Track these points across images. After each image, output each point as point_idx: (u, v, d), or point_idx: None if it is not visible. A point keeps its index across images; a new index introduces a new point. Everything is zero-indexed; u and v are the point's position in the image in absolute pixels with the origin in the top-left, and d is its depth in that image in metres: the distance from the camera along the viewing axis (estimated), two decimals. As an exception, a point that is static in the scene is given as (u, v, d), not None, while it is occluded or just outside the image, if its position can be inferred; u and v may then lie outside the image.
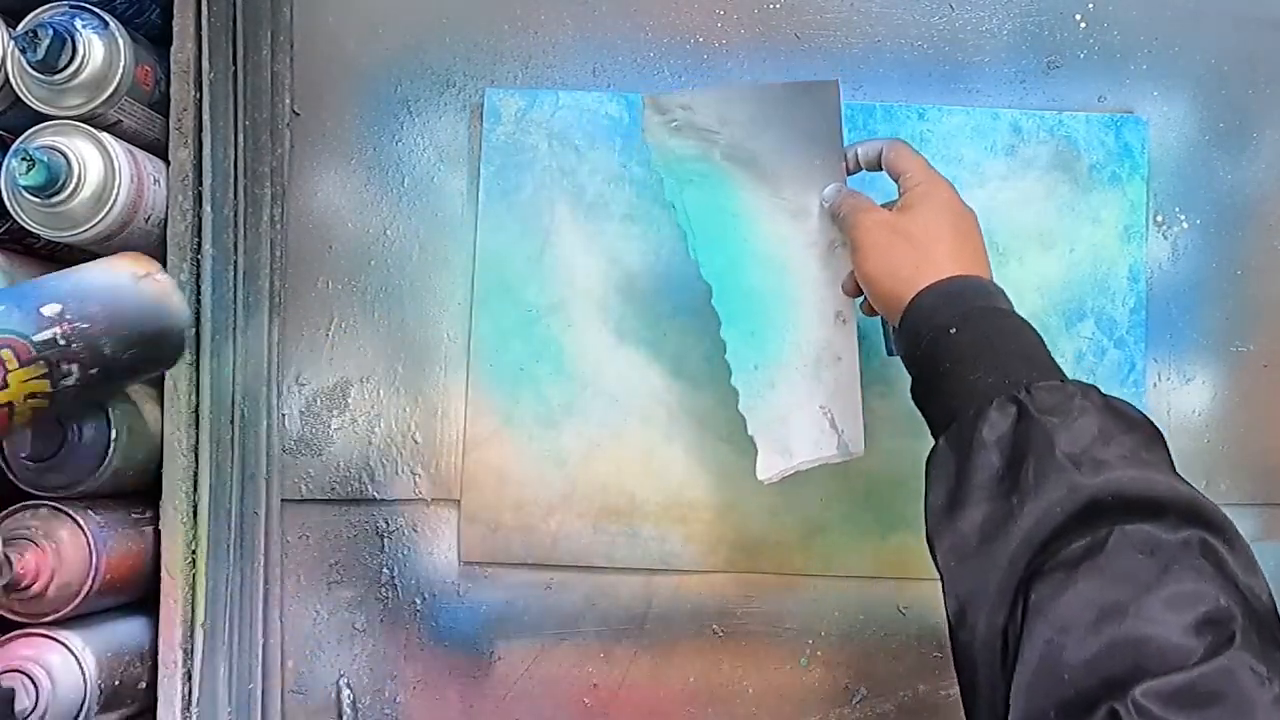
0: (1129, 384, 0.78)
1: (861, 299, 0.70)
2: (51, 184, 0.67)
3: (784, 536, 0.78)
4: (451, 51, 0.81)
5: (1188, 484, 0.52)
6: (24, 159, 0.66)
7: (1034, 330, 0.61)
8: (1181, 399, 0.79)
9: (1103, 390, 0.56)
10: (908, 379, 0.63)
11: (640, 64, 0.81)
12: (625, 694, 0.78)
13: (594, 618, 0.79)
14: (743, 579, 0.79)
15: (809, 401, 0.71)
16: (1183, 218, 0.80)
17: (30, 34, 0.68)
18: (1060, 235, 0.79)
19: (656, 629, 0.79)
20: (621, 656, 0.78)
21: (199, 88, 0.77)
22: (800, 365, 0.72)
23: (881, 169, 0.70)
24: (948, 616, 0.53)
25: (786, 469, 0.71)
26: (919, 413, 0.62)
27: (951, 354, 0.59)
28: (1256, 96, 0.81)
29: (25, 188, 0.67)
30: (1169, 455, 0.55)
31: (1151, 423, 0.56)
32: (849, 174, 0.72)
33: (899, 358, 0.65)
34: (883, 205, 0.68)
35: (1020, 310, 0.77)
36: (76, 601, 0.69)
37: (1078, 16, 0.81)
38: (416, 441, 0.79)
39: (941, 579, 0.54)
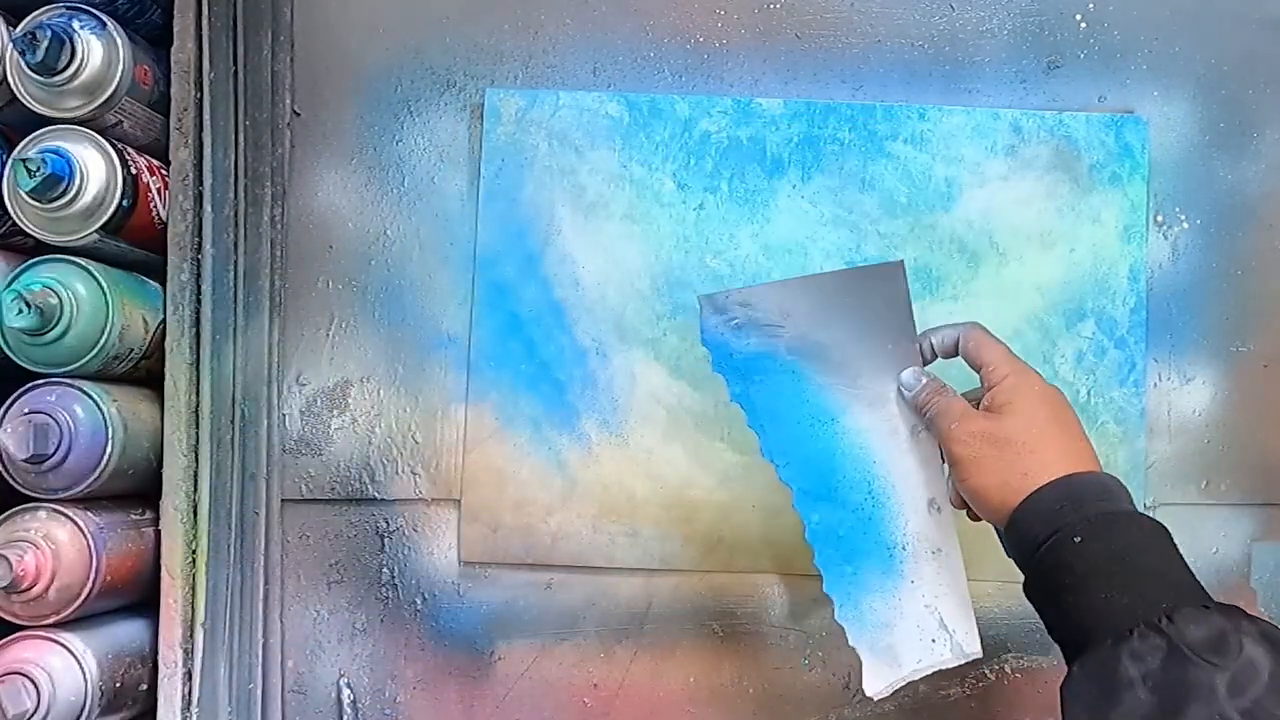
0: (1129, 384, 0.78)
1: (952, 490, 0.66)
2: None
3: (784, 536, 0.78)
4: (451, 51, 0.81)
5: None
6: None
7: (1166, 534, 0.57)
8: (1181, 399, 0.79)
9: (1251, 615, 0.52)
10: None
11: (640, 64, 0.81)
12: (625, 694, 0.78)
13: (594, 618, 0.79)
14: (743, 579, 0.79)
15: (912, 602, 0.67)
16: (1183, 218, 0.80)
17: (29, 36, 0.68)
18: (1060, 235, 0.79)
19: (656, 629, 0.79)
20: (621, 656, 0.78)
21: (199, 88, 0.77)
22: (898, 563, 0.67)
23: (957, 356, 0.67)
24: None
25: (897, 681, 0.66)
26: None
27: (1077, 566, 0.56)
28: (1256, 96, 0.81)
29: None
30: None
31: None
32: (925, 364, 0.68)
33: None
34: (965, 394, 0.65)
35: (1020, 310, 0.78)
36: (77, 603, 0.69)
37: (1078, 16, 0.81)
38: (416, 441, 0.79)
39: None
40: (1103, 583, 0.54)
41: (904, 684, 0.66)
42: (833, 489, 0.68)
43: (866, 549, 0.67)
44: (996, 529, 0.64)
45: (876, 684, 0.66)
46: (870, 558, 0.67)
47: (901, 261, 0.69)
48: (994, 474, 0.61)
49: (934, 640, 0.66)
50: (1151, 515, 0.78)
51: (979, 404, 0.64)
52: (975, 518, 0.66)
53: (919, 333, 0.68)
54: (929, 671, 0.66)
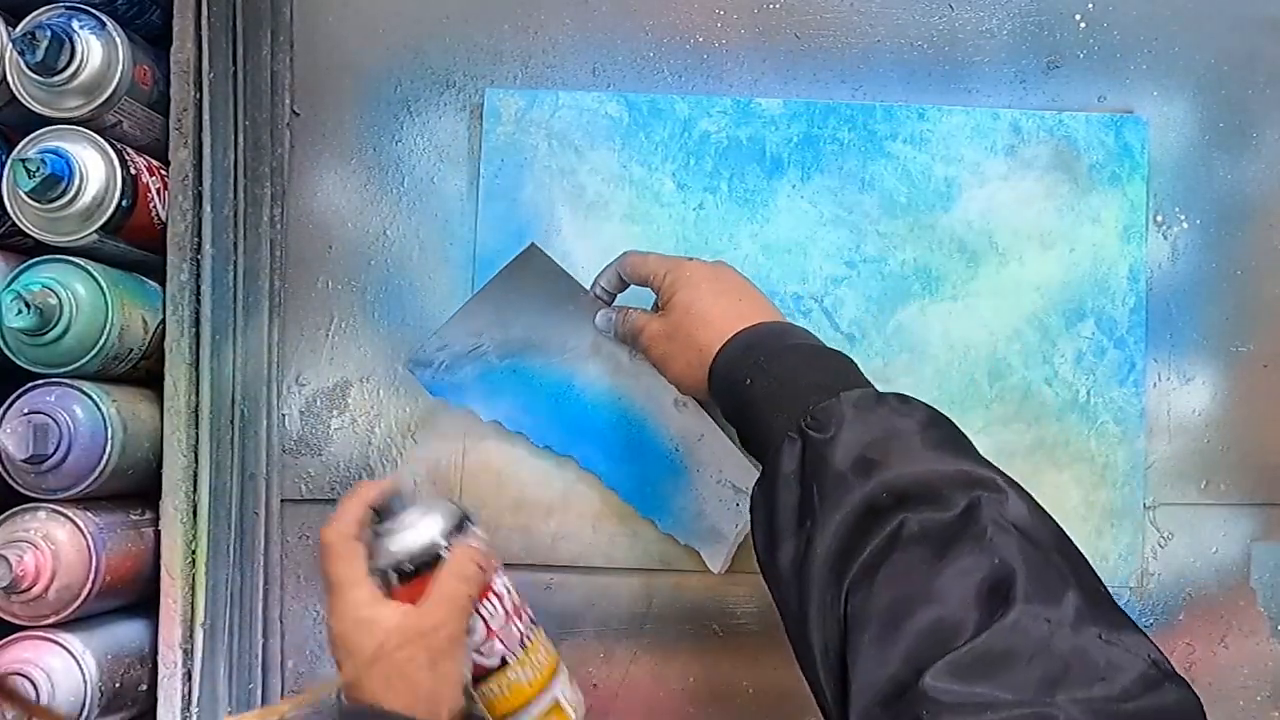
0: (1129, 384, 0.78)
1: None
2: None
3: (784, 537, 0.78)
4: (451, 51, 0.81)
5: (958, 455, 0.54)
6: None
7: (825, 353, 0.63)
8: (1181, 399, 0.79)
9: (881, 391, 0.58)
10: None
11: (640, 64, 0.81)
12: (625, 694, 0.78)
13: (594, 618, 0.78)
14: (743, 579, 0.79)
15: (705, 484, 0.75)
16: (1183, 218, 0.80)
17: (28, 36, 0.68)
18: (1060, 235, 0.79)
19: (656, 629, 0.79)
20: (621, 656, 0.78)
21: (199, 88, 0.77)
22: (679, 461, 0.75)
23: (630, 286, 0.73)
24: (793, 649, 0.55)
25: (730, 549, 0.75)
26: None
27: (752, 404, 0.61)
28: (1256, 96, 0.81)
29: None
30: (948, 433, 0.56)
31: (924, 408, 0.57)
32: (608, 305, 0.75)
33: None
34: (653, 307, 0.72)
35: (1020, 310, 0.78)
36: (76, 603, 0.69)
37: (1078, 16, 0.81)
38: (416, 441, 0.79)
39: (782, 616, 0.56)
40: (767, 409, 0.60)
41: (737, 547, 0.74)
42: (603, 436, 0.76)
43: (651, 465, 0.76)
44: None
45: (717, 563, 0.75)
46: (657, 470, 0.76)
47: (532, 244, 0.76)
48: (681, 360, 0.67)
49: (738, 504, 0.74)
50: (1152, 513, 0.78)
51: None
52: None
53: (589, 285, 0.75)
54: (748, 529, 0.71)
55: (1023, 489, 0.52)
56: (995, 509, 0.50)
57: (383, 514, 0.62)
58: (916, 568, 0.49)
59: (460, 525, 0.62)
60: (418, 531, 0.61)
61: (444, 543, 0.61)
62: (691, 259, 0.70)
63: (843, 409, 0.56)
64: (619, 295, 0.75)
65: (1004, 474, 0.53)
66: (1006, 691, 0.43)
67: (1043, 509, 0.52)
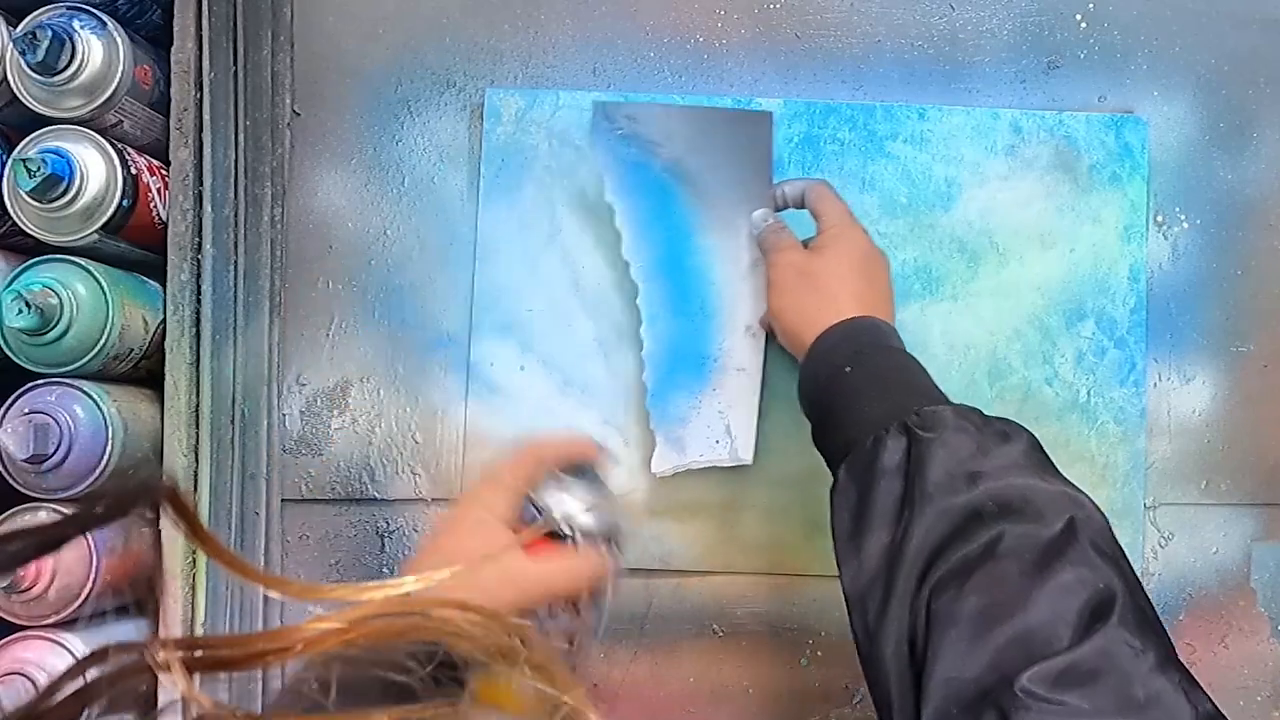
0: (1129, 384, 0.78)
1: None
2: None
3: (784, 536, 0.78)
4: (451, 51, 0.81)
5: (1061, 479, 0.56)
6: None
7: (920, 365, 0.65)
8: (1181, 399, 0.79)
9: (985, 412, 0.59)
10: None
11: (640, 64, 0.81)
12: (625, 694, 0.78)
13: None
14: (743, 579, 0.79)
15: (709, 406, 0.76)
16: (1183, 218, 0.80)
17: (29, 35, 0.68)
18: (1060, 235, 0.79)
19: (656, 629, 0.79)
20: (621, 656, 0.78)
21: (199, 88, 0.77)
22: (706, 371, 0.76)
23: (805, 208, 0.74)
24: (855, 637, 0.55)
25: (679, 465, 0.76)
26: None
27: (847, 391, 0.63)
28: (1256, 96, 0.81)
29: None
30: (1046, 458, 0.58)
31: (1027, 432, 0.59)
32: (776, 210, 0.75)
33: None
34: (803, 242, 0.72)
35: (1020, 310, 0.78)
36: (77, 603, 0.69)
37: (1078, 16, 0.81)
38: (416, 441, 0.79)
39: (848, 601, 0.56)
40: (863, 399, 0.62)
41: (684, 470, 0.75)
42: (670, 297, 0.77)
43: (686, 354, 0.76)
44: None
45: (662, 465, 0.76)
46: (687, 361, 0.76)
47: (770, 114, 0.78)
48: (793, 301, 0.69)
49: (717, 442, 0.76)
50: (1152, 513, 0.78)
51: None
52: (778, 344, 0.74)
53: (775, 181, 0.76)
54: (703, 465, 0.75)
55: (1108, 524, 0.54)
56: (1093, 532, 0.52)
57: (572, 468, 0.62)
58: (1013, 578, 0.50)
59: (612, 538, 0.62)
60: (580, 507, 0.61)
61: (586, 540, 0.60)
62: (862, 228, 0.72)
63: (950, 416, 0.58)
64: (788, 212, 0.76)
65: (1097, 507, 0.54)
66: (1088, 703, 0.45)
67: (1120, 546, 0.54)
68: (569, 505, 0.61)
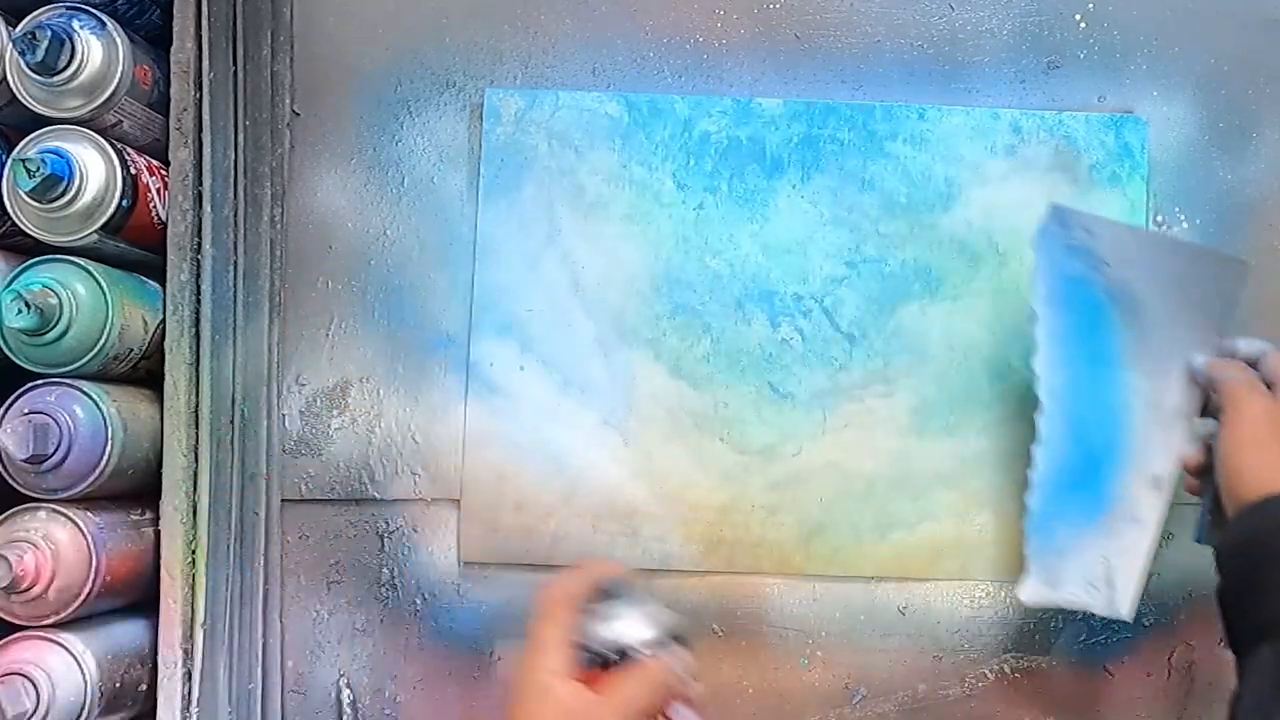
0: (1131, 385, 0.78)
1: (1182, 474, 0.71)
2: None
3: (784, 536, 0.78)
4: (451, 51, 0.81)
5: None
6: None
7: None
8: (1182, 399, 0.79)
9: None
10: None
11: (640, 64, 0.81)
12: (625, 694, 0.78)
13: (594, 618, 0.79)
14: (743, 579, 0.79)
15: (1095, 548, 0.72)
16: (1183, 218, 0.80)
17: (29, 36, 0.68)
18: (1061, 235, 0.79)
19: (656, 629, 0.78)
20: (621, 656, 0.78)
21: (199, 88, 0.77)
22: (1099, 512, 0.73)
23: (1256, 368, 0.69)
24: None
25: (1050, 600, 0.72)
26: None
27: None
28: (1256, 96, 0.81)
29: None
30: None
31: None
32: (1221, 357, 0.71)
33: (1209, 548, 0.64)
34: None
35: (1020, 310, 0.78)
36: (77, 603, 0.69)
37: (1078, 16, 0.81)
38: (416, 441, 0.79)
39: None
40: None
41: (1050, 605, 0.73)
42: (1081, 428, 0.72)
43: (1080, 488, 0.72)
44: (1202, 519, 0.69)
45: (1033, 596, 0.72)
46: (1080, 496, 0.72)
47: (1246, 262, 0.73)
48: (1261, 456, 0.63)
49: (1094, 586, 0.72)
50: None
51: None
52: (1195, 492, 0.70)
53: (1225, 334, 0.71)
54: (1075, 607, 0.72)
55: None
56: None
57: (603, 595, 0.61)
58: None
59: (671, 638, 0.60)
60: (627, 625, 0.59)
61: (647, 651, 0.59)
62: None
63: None
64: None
65: None
66: None
67: None
68: (616, 630, 0.60)
